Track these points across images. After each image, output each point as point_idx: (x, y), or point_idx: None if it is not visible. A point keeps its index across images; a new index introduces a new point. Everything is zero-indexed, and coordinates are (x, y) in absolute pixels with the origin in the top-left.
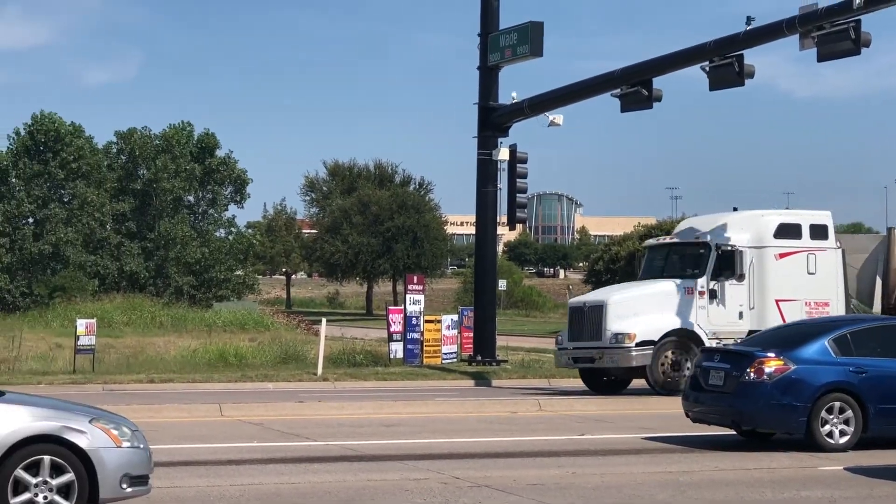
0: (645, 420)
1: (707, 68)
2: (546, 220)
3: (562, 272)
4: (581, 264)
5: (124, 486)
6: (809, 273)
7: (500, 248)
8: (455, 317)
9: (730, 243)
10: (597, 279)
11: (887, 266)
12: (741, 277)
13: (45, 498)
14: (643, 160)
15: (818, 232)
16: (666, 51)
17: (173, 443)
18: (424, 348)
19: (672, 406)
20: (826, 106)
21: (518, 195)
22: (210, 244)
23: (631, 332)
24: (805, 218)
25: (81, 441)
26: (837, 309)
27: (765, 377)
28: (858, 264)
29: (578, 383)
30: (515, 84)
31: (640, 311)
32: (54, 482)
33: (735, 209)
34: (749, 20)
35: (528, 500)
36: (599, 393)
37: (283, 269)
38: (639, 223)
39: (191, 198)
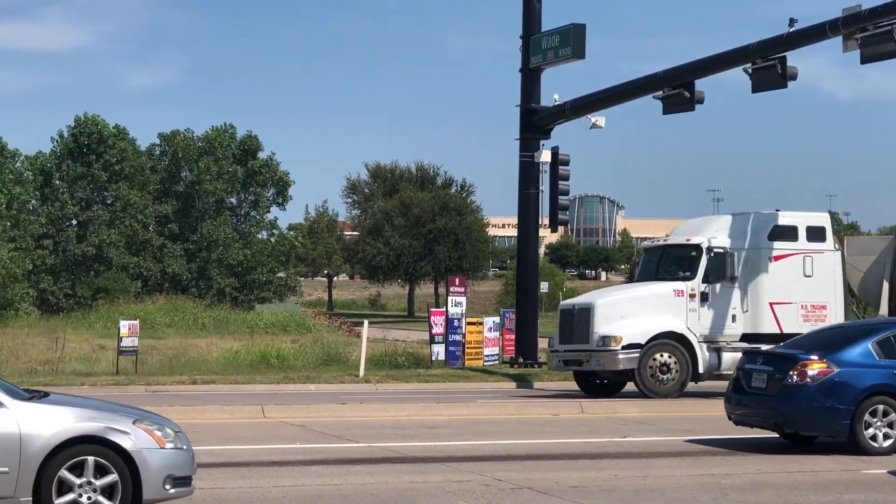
0: (687, 422)
1: (750, 70)
2: (588, 223)
3: (603, 274)
4: (623, 266)
5: (167, 486)
6: (806, 275)
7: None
8: (497, 319)
9: (722, 245)
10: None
11: (895, 268)
12: (733, 280)
13: (89, 498)
14: (685, 162)
15: (815, 234)
16: (708, 53)
17: (216, 444)
18: (466, 350)
19: (715, 409)
20: (869, 108)
21: (560, 197)
22: (252, 246)
23: (617, 335)
24: (801, 220)
25: (125, 442)
26: (835, 312)
27: (808, 380)
28: (866, 266)
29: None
30: (557, 86)
31: (628, 313)
32: (98, 483)
33: (777, 210)
34: (792, 22)
35: (570, 502)
36: (593, 396)
37: (325, 271)
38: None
39: (233, 200)
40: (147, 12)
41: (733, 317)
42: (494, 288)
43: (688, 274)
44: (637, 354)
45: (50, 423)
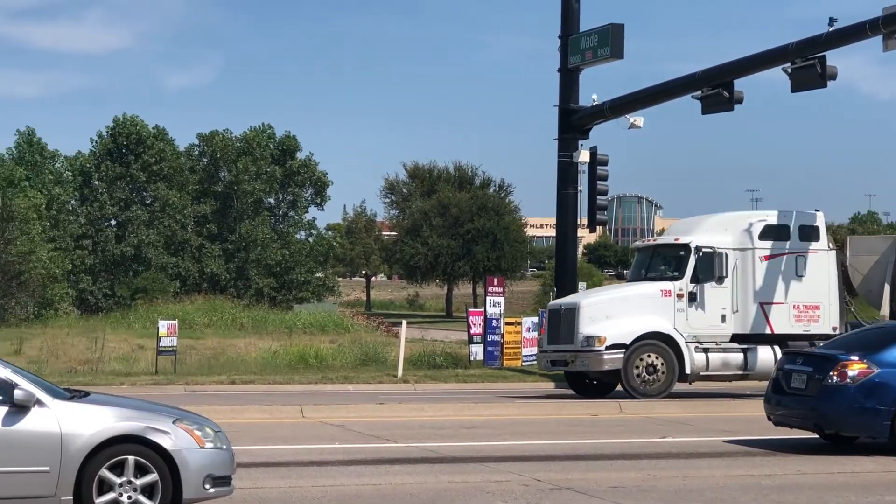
0: (726, 423)
1: (789, 70)
2: (626, 223)
3: None
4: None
5: (207, 486)
6: (798, 275)
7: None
8: (535, 319)
9: (710, 245)
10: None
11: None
12: (721, 280)
13: (130, 498)
14: (723, 162)
15: (808, 233)
16: (747, 53)
17: (255, 444)
18: (504, 350)
19: (753, 409)
20: None
21: (598, 197)
22: (290, 246)
23: (601, 335)
24: (794, 219)
25: (165, 441)
26: (829, 313)
27: (848, 380)
28: (868, 266)
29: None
30: (595, 86)
31: (614, 314)
32: (138, 482)
33: (817, 210)
34: (832, 21)
35: (609, 502)
36: (586, 396)
37: (363, 272)
38: None
39: (271, 200)
40: (185, 11)
41: (723, 317)
42: (532, 288)
43: (676, 274)
44: (621, 355)
45: (90, 422)
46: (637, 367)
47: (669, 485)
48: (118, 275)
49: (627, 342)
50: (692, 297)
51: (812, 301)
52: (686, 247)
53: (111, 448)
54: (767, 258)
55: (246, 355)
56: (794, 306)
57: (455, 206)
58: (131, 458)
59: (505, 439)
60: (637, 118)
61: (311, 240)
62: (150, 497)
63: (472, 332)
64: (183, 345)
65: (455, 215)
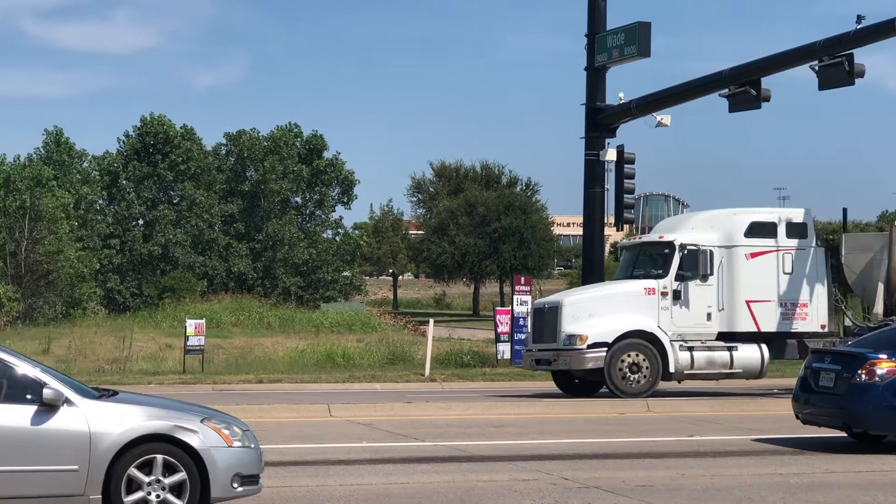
0: (754, 421)
1: (816, 68)
2: (653, 221)
3: None
4: None
5: (235, 485)
6: (785, 273)
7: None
8: None
9: (695, 242)
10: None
11: (889, 265)
12: (705, 278)
13: (158, 497)
14: (750, 160)
15: (795, 230)
16: (774, 50)
17: (283, 443)
18: None
19: (781, 407)
20: None
21: (625, 196)
22: (317, 245)
23: (583, 333)
24: (781, 216)
25: (193, 440)
26: (817, 310)
27: (876, 379)
28: (863, 263)
29: (684, 385)
30: (621, 84)
31: (597, 312)
32: (167, 481)
33: (844, 210)
34: (859, 19)
35: (637, 501)
36: (572, 395)
37: (390, 270)
38: None
39: (298, 199)
40: (212, 10)
41: (708, 315)
42: (559, 287)
43: (660, 272)
44: (603, 353)
45: (119, 421)
46: (621, 366)
47: (697, 483)
48: (146, 274)
49: (610, 341)
50: (676, 295)
51: (800, 299)
52: (671, 244)
53: (140, 447)
54: (753, 255)
55: (273, 354)
56: (781, 304)
57: (482, 204)
58: (160, 457)
59: (532, 438)
60: (664, 116)
61: (338, 239)
62: (178, 496)
63: (499, 330)
64: (210, 344)
65: (482, 214)
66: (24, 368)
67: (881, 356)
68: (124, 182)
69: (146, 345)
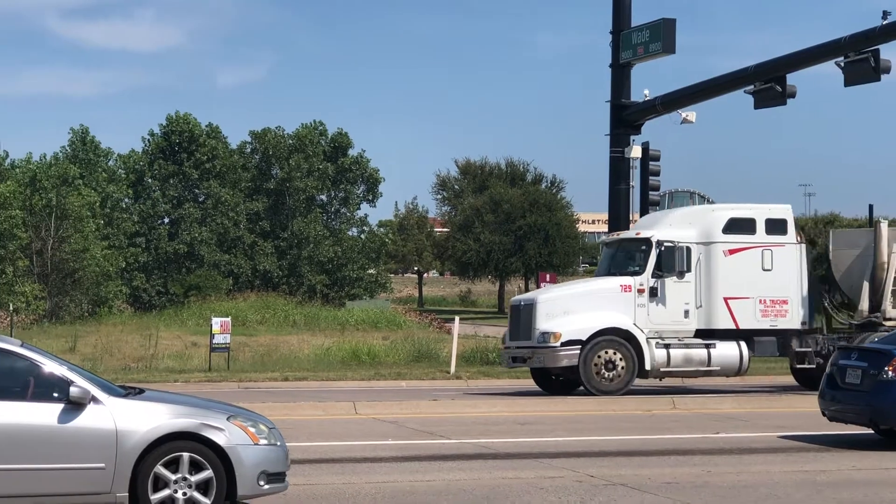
0: (780, 418)
1: (842, 64)
2: None
3: None
4: None
5: (261, 483)
6: (765, 269)
7: None
8: None
9: (671, 239)
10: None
11: (875, 261)
12: (682, 274)
13: (185, 494)
14: (776, 157)
15: (775, 226)
16: (799, 47)
17: (309, 440)
18: None
19: (807, 404)
20: None
21: (650, 192)
22: (343, 243)
23: (556, 331)
24: (760, 212)
25: (219, 438)
26: (798, 307)
27: None
28: (850, 259)
29: (712, 382)
30: (646, 81)
31: (571, 309)
32: (193, 479)
33: (870, 206)
34: (885, 14)
35: (664, 498)
36: (551, 393)
37: (415, 268)
38: None
39: (323, 197)
40: (237, 9)
41: (685, 312)
42: None
43: (637, 269)
44: (577, 351)
45: (145, 419)
46: (596, 363)
47: (724, 480)
48: (171, 272)
49: (584, 338)
50: (653, 292)
51: (779, 295)
52: (647, 241)
53: (166, 445)
54: (732, 252)
55: (299, 352)
56: (760, 301)
57: (507, 202)
58: (186, 455)
59: (558, 435)
60: (689, 113)
61: (363, 236)
62: (204, 493)
63: None
64: (236, 342)
65: (507, 211)
66: (50, 367)
67: None
68: (150, 180)
69: (172, 343)
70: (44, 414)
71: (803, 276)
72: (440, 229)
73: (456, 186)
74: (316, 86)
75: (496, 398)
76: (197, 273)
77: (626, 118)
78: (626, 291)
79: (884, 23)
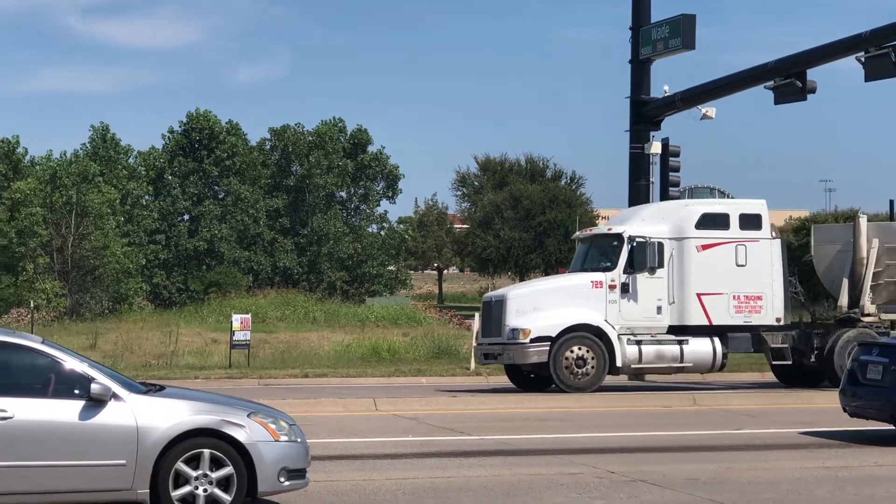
0: (801, 415)
1: (862, 59)
2: None
3: None
4: None
5: (282, 479)
6: (738, 265)
7: None
8: None
9: (643, 235)
10: (792, 274)
11: (854, 257)
12: (653, 270)
13: (205, 491)
14: (796, 152)
15: (749, 222)
16: (819, 42)
17: (329, 437)
18: None
19: (828, 400)
20: None
21: (670, 189)
22: (362, 240)
23: (526, 327)
24: (734, 207)
25: (240, 435)
26: (772, 303)
27: None
28: (831, 255)
29: (727, 378)
30: (666, 77)
31: (542, 306)
32: (214, 475)
33: (891, 202)
34: None
35: (684, 494)
36: (525, 390)
37: (435, 264)
38: (790, 216)
39: (343, 193)
40: (255, 5)
41: (658, 308)
42: None
43: (609, 265)
44: (546, 347)
45: (166, 416)
46: (566, 360)
47: (745, 476)
48: (191, 269)
49: (553, 335)
50: (625, 289)
51: (754, 291)
52: (619, 236)
53: (187, 441)
54: (705, 248)
55: (319, 349)
56: (734, 297)
57: (526, 198)
58: (207, 452)
59: (578, 431)
60: (709, 109)
61: (382, 233)
62: (225, 490)
63: None
64: (256, 338)
65: (527, 208)
66: (71, 364)
67: None
68: (170, 178)
69: (192, 340)
70: (65, 411)
71: (778, 271)
72: (460, 226)
73: (476, 183)
74: (335, 83)
75: (516, 394)
76: (217, 270)
77: (646, 114)
78: (597, 287)
79: None
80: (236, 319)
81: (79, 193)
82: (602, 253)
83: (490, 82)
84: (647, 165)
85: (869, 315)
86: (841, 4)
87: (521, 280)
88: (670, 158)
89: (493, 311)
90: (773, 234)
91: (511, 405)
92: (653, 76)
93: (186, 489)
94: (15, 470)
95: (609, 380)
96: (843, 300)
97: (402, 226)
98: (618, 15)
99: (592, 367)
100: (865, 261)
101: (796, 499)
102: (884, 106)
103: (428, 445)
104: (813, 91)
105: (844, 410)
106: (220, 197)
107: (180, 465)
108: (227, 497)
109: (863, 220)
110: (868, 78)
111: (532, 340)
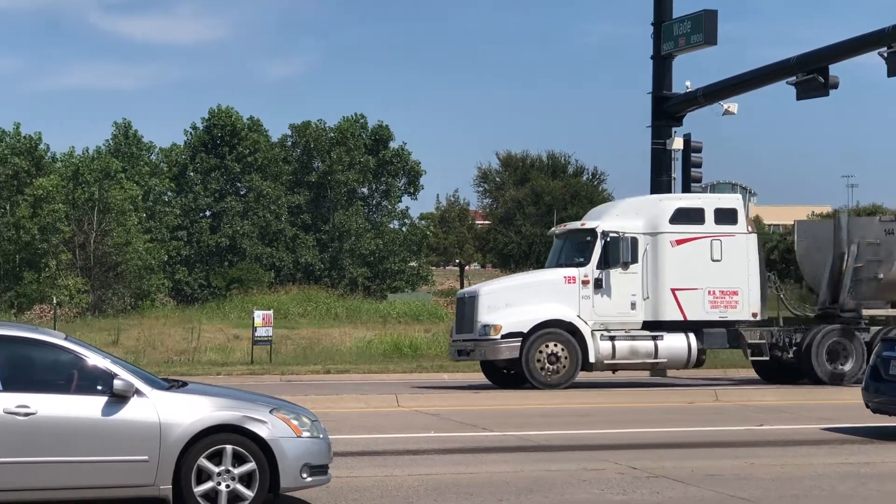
0: (824, 410)
1: (885, 54)
2: None
3: None
4: None
5: (304, 475)
6: (714, 260)
7: None
8: None
9: (617, 230)
10: (771, 269)
11: (834, 252)
12: (626, 265)
13: (228, 487)
14: (818, 148)
15: (725, 216)
16: (842, 37)
17: (351, 433)
18: None
19: (849, 396)
20: None
21: (692, 185)
22: (384, 236)
23: (497, 323)
24: (709, 202)
25: (262, 431)
26: (748, 297)
27: None
28: (813, 251)
29: (753, 373)
30: (688, 73)
31: (514, 301)
32: (236, 471)
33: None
34: None
35: (706, 490)
36: (502, 386)
37: (457, 260)
38: (812, 212)
39: (365, 190)
40: (276, 2)
41: (632, 304)
42: None
43: (582, 260)
44: (518, 343)
45: (188, 412)
46: (539, 356)
47: (767, 473)
48: (213, 265)
49: (525, 330)
50: (598, 284)
51: (729, 286)
52: (592, 232)
53: (209, 437)
54: (679, 242)
55: (341, 345)
56: (709, 292)
57: (548, 194)
58: (229, 448)
59: (600, 427)
60: (731, 104)
61: (404, 229)
62: (247, 486)
63: None
64: (278, 335)
65: (548, 203)
66: (94, 360)
67: None
68: (192, 174)
69: (214, 336)
70: (88, 407)
71: (754, 266)
72: (481, 222)
73: (497, 179)
74: (356, 79)
75: (537, 390)
76: (239, 266)
77: (668, 110)
78: (570, 283)
79: None
80: (258, 315)
81: (101, 190)
82: (576, 248)
83: (512, 78)
84: (669, 161)
85: (848, 311)
86: (866, 1)
87: None
88: (692, 154)
89: (466, 308)
90: (749, 228)
91: (533, 401)
92: (675, 71)
93: (209, 485)
94: (38, 465)
95: (635, 375)
96: (824, 295)
97: (423, 222)
98: (640, 10)
99: (565, 364)
100: (846, 256)
101: (819, 495)
102: None
103: (450, 441)
104: (835, 86)
105: (867, 406)
106: (241, 193)
107: (203, 461)
108: (249, 493)
109: (843, 217)
110: (891, 73)
111: (503, 336)
